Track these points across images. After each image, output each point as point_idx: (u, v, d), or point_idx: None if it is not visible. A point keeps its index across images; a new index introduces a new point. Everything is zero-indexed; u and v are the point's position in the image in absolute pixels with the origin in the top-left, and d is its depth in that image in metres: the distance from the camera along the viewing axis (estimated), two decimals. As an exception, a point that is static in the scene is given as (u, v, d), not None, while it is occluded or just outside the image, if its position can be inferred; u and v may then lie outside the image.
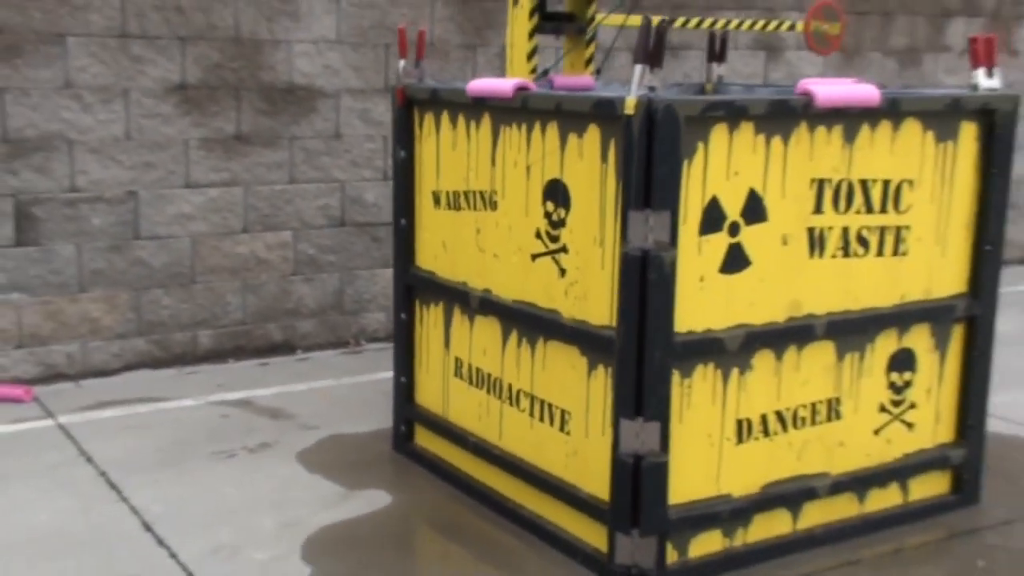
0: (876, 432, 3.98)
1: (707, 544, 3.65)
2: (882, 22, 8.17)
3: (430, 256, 4.38)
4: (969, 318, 4.09)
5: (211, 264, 6.02)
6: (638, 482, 3.43)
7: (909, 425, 4.06)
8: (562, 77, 4.80)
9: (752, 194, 3.52)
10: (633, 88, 3.28)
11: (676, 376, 3.47)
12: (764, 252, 3.57)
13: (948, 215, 3.98)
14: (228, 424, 5.01)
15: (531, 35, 4.76)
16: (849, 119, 3.66)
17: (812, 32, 5.51)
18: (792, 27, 5.67)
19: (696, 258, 3.44)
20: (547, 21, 4.86)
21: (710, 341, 3.49)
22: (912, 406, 4.05)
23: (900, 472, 4.07)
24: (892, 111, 3.72)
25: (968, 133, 3.96)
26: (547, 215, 3.70)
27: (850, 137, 3.68)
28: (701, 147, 3.38)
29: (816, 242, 3.69)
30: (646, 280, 3.33)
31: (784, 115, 3.50)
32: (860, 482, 3.96)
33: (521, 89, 3.78)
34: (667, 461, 3.45)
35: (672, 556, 3.57)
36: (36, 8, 5.40)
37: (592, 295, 3.54)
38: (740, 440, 3.66)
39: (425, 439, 4.56)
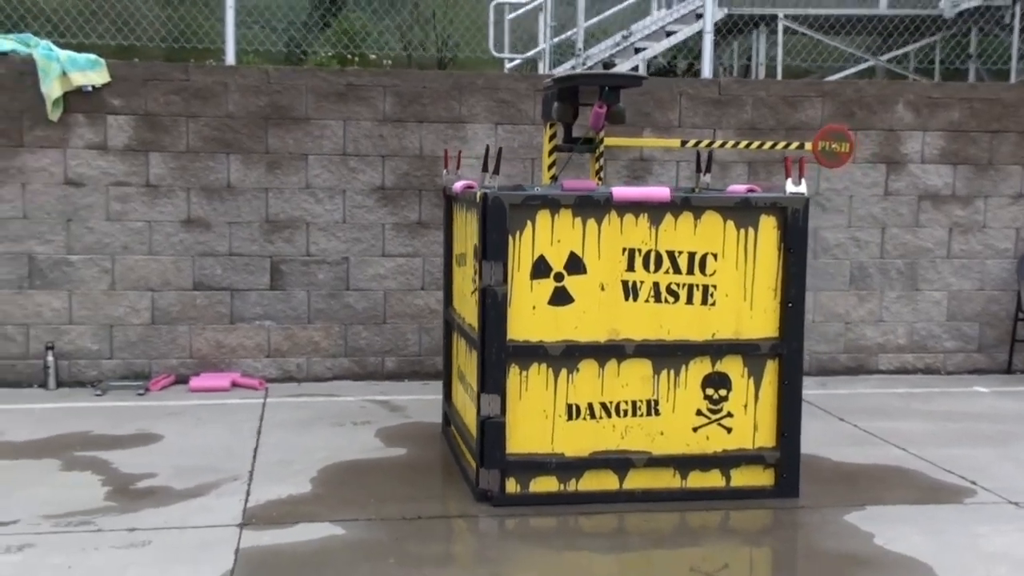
0: (695, 429, 5.70)
1: (544, 485, 5.60)
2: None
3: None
4: (778, 355, 5.70)
5: (397, 311, 8.68)
6: (484, 435, 5.53)
7: (728, 429, 5.73)
8: (569, 181, 6.93)
9: (572, 255, 5.53)
10: (478, 186, 5.49)
11: (515, 368, 5.52)
12: (585, 294, 5.55)
13: (753, 279, 5.66)
14: (359, 411, 7.56)
15: (551, 152, 6.96)
16: (654, 210, 5.56)
17: (820, 151, 7.22)
18: (801, 146, 7.35)
19: (529, 294, 5.51)
20: (568, 143, 7.00)
21: (538, 348, 5.52)
22: (729, 415, 5.72)
23: (720, 462, 5.72)
24: (687, 206, 5.56)
25: (768, 223, 5.65)
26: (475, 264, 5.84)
27: (656, 221, 5.57)
28: (529, 223, 5.48)
29: (630, 290, 5.59)
30: (487, 304, 5.48)
31: (592, 205, 5.50)
32: (680, 463, 5.68)
33: (467, 187, 6.04)
34: (504, 422, 5.50)
35: (513, 487, 5.57)
36: (291, 137, 8.43)
37: (470, 313, 5.73)
38: (570, 418, 5.60)
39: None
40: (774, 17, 12.30)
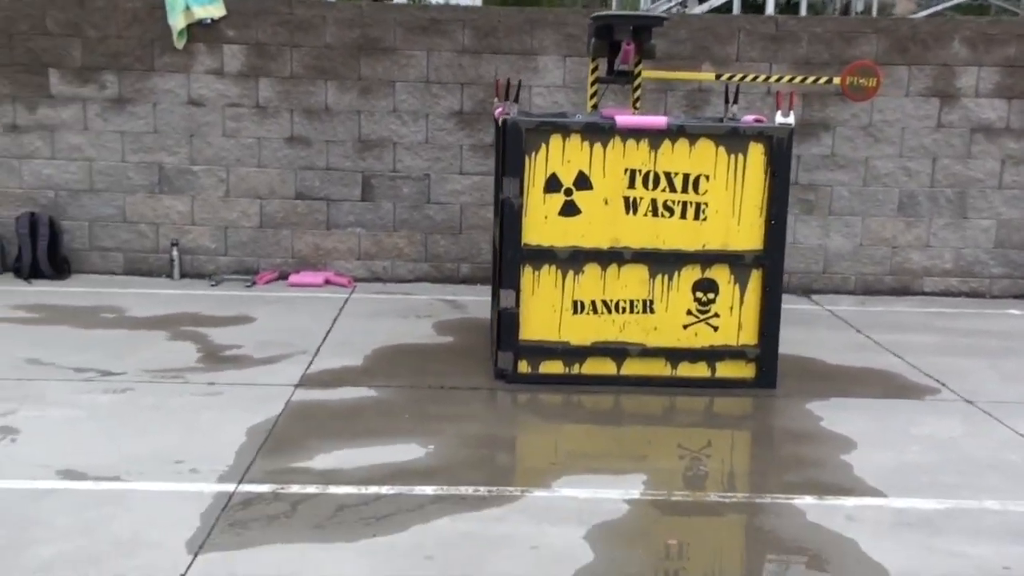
0: (685, 327, 6.63)
1: (552, 367, 6.64)
2: None
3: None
4: (761, 265, 6.57)
5: (472, 223, 9.77)
6: (501, 323, 6.60)
7: (715, 327, 6.63)
8: (607, 109, 7.83)
9: (580, 173, 6.49)
10: (499, 112, 6.49)
11: (529, 269, 6.54)
12: (591, 207, 6.51)
13: (741, 199, 6.51)
14: (426, 307, 8.71)
15: (593, 83, 7.86)
16: (653, 136, 6.44)
17: (848, 85, 7.95)
18: (829, 81, 8.06)
19: (542, 206, 6.51)
20: (611, 75, 7.87)
21: (549, 251, 6.52)
22: (716, 315, 6.62)
23: (707, 355, 6.63)
24: (682, 133, 6.43)
25: (756, 149, 6.47)
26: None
27: (655, 146, 6.46)
28: (544, 145, 6.45)
29: (630, 205, 6.52)
30: (505, 213, 6.51)
31: (599, 131, 6.43)
32: (671, 355, 6.62)
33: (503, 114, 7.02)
34: (518, 313, 6.54)
35: (525, 368, 6.63)
36: (380, 66, 9.54)
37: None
38: (575, 312, 6.61)
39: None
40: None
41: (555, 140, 6.38)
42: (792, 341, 7.66)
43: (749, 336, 6.59)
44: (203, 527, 4.30)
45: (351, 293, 9.14)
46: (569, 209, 6.45)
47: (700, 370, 6.62)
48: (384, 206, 9.66)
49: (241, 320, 7.98)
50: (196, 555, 4.06)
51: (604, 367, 6.60)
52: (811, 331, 8.16)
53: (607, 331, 6.57)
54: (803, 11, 12.36)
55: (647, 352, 6.58)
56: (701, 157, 6.42)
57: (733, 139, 6.40)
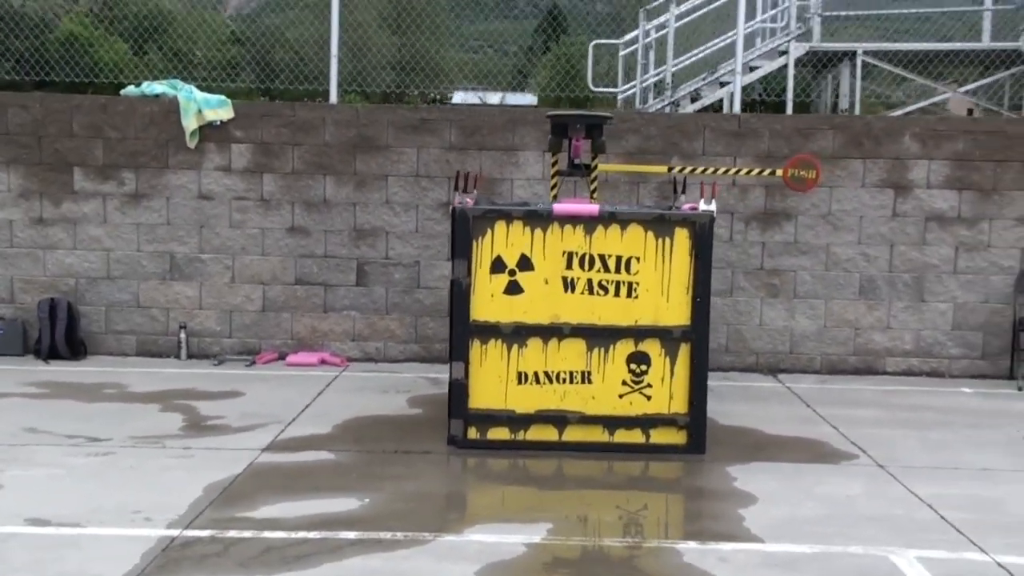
0: (620, 396, 7.23)
1: (499, 433, 7.25)
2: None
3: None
4: (689, 339, 7.18)
5: (457, 306, 10.46)
6: (452, 393, 7.26)
7: (648, 397, 7.22)
8: (565, 199, 8.53)
9: (523, 256, 7.18)
10: (453, 201, 7.22)
11: (477, 343, 7.21)
12: (533, 286, 7.19)
13: (669, 279, 7.15)
14: (408, 383, 9.38)
15: (553, 176, 8.59)
16: (588, 222, 7.14)
17: (790, 177, 8.64)
18: (773, 173, 8.74)
19: (488, 285, 7.20)
20: (573, 168, 8.58)
21: (495, 327, 7.18)
22: (649, 385, 7.22)
23: (641, 423, 7.22)
24: (614, 219, 7.12)
25: (681, 233, 7.13)
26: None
27: (590, 231, 7.15)
28: (489, 231, 7.16)
29: (568, 285, 7.19)
30: (455, 292, 7.20)
31: (538, 217, 7.14)
32: (608, 422, 7.21)
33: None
34: (467, 384, 7.18)
35: (474, 434, 7.25)
36: (374, 162, 10.39)
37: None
38: (520, 383, 7.24)
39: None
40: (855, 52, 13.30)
41: (499, 226, 7.09)
42: (740, 414, 8.24)
43: (680, 405, 7.17)
44: (140, 564, 4.95)
45: (342, 371, 9.84)
46: (513, 288, 7.13)
47: (635, 436, 7.19)
48: (377, 291, 10.40)
49: (231, 395, 8.70)
50: (130, 582, 4.70)
51: (547, 433, 7.20)
52: (762, 406, 8.69)
53: (549, 400, 7.18)
54: (789, 110, 13.05)
55: (586, 420, 7.18)
56: (632, 240, 7.08)
57: (660, 224, 7.07)
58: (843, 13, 13.80)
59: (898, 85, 14.67)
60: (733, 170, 8.89)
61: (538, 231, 7.09)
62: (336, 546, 5.21)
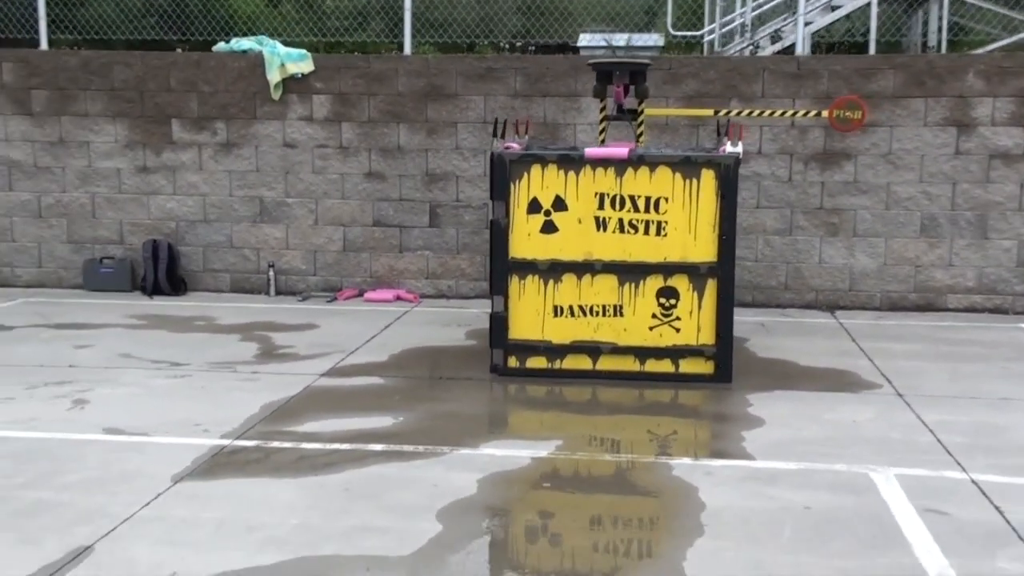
0: (651, 328, 7.68)
1: (537, 362, 7.80)
2: None
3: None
4: (715, 275, 7.58)
5: (525, 246, 11.00)
6: (493, 324, 7.83)
7: (677, 329, 7.67)
8: (611, 143, 8.95)
9: (557, 197, 7.67)
10: (492, 147, 7.75)
11: (515, 278, 7.75)
12: (567, 226, 7.68)
13: (696, 217, 7.54)
14: (470, 318, 9.95)
15: (601, 121, 9.02)
16: (618, 164, 7.58)
17: (835, 117, 8.92)
18: (819, 114, 9.01)
19: (525, 225, 7.72)
20: (620, 113, 9.00)
21: (532, 263, 7.71)
22: (678, 318, 7.65)
23: (670, 353, 7.67)
24: (643, 161, 7.55)
25: (708, 175, 7.50)
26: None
27: (620, 173, 7.59)
28: (526, 174, 7.66)
29: (601, 224, 7.65)
30: (494, 232, 7.75)
31: (571, 161, 7.61)
32: (639, 353, 7.69)
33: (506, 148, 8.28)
34: (507, 316, 7.76)
35: (514, 363, 7.81)
36: (444, 110, 10.96)
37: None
38: (556, 315, 7.77)
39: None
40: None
41: (535, 169, 7.58)
42: (781, 348, 8.60)
43: (707, 337, 7.58)
44: (191, 466, 5.69)
45: (413, 307, 10.50)
46: (548, 227, 7.63)
47: (665, 366, 7.64)
48: (449, 232, 11.00)
49: (306, 327, 9.45)
50: (175, 483, 5.44)
51: (582, 363, 7.71)
52: (807, 340, 9.01)
53: (583, 332, 7.68)
54: (872, 49, 13.02)
55: (618, 350, 7.66)
56: (660, 182, 7.48)
57: (687, 166, 7.45)
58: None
59: (993, 21, 14.43)
60: (779, 112, 9.14)
61: (571, 174, 7.54)
62: (361, 456, 5.85)
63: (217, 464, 5.72)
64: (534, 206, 7.60)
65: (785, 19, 13.81)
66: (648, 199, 7.49)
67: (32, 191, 11.52)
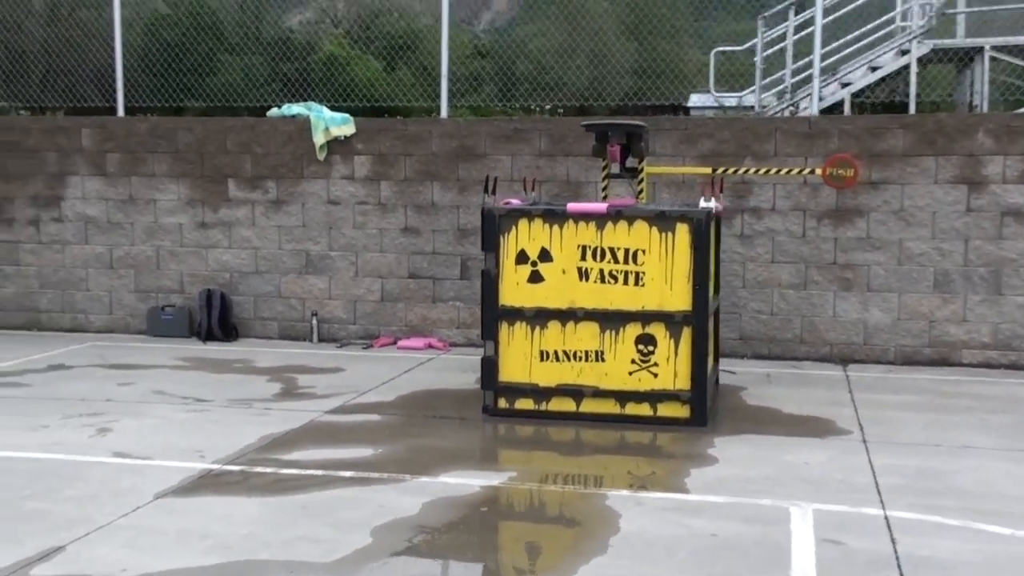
0: (630, 373, 8.15)
1: (525, 404, 8.33)
2: None
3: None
4: (690, 323, 8.04)
5: (550, 298, 11.57)
6: (485, 368, 8.41)
7: (655, 374, 8.12)
8: (613, 199, 9.50)
9: (543, 249, 8.24)
10: (483, 202, 8.38)
11: (505, 325, 8.32)
12: (552, 276, 8.23)
13: (672, 269, 8.02)
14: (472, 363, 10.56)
15: (604, 179, 9.59)
16: (599, 218, 8.13)
17: (828, 175, 9.36)
18: (812, 172, 9.45)
19: (513, 275, 8.30)
20: (623, 171, 9.55)
21: (520, 311, 8.27)
22: (655, 364, 8.11)
23: (649, 397, 8.12)
24: (620, 216, 8.08)
25: (682, 228, 7.99)
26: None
27: (600, 226, 8.13)
28: (514, 227, 8.26)
29: (583, 274, 8.19)
30: (485, 281, 8.35)
31: (555, 215, 8.18)
32: (619, 396, 8.16)
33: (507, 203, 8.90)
34: (497, 360, 8.31)
35: (504, 404, 8.36)
36: (474, 168, 11.63)
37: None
38: (542, 360, 8.30)
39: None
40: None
41: (522, 223, 8.17)
42: (774, 396, 8.97)
43: (683, 382, 8.01)
44: (175, 486, 6.37)
45: (440, 355, 11.13)
46: (535, 277, 8.19)
47: (644, 409, 8.09)
48: (478, 283, 11.58)
49: (334, 371, 10.15)
50: (156, 498, 6.12)
51: (566, 405, 8.21)
52: (804, 390, 9.33)
53: (567, 375, 8.19)
54: (912, 109, 13.25)
55: (600, 393, 8.14)
56: (638, 235, 8.00)
57: (662, 220, 7.95)
58: (964, 11, 13.86)
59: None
60: (773, 170, 9.57)
61: (556, 227, 8.11)
62: (329, 480, 6.46)
63: (199, 484, 6.38)
64: (522, 257, 8.17)
65: (825, 80, 14.16)
66: (627, 251, 8.00)
67: (105, 244, 12.55)
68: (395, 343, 11.64)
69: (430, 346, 11.48)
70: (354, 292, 11.91)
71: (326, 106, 12.06)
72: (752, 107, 13.24)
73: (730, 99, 16.55)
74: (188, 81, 13.36)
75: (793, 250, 10.90)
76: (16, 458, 6.96)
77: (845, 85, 13.92)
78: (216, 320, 11.94)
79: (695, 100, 19.72)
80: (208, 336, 11.93)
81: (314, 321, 11.87)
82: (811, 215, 10.84)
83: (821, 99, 13.99)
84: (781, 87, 13.94)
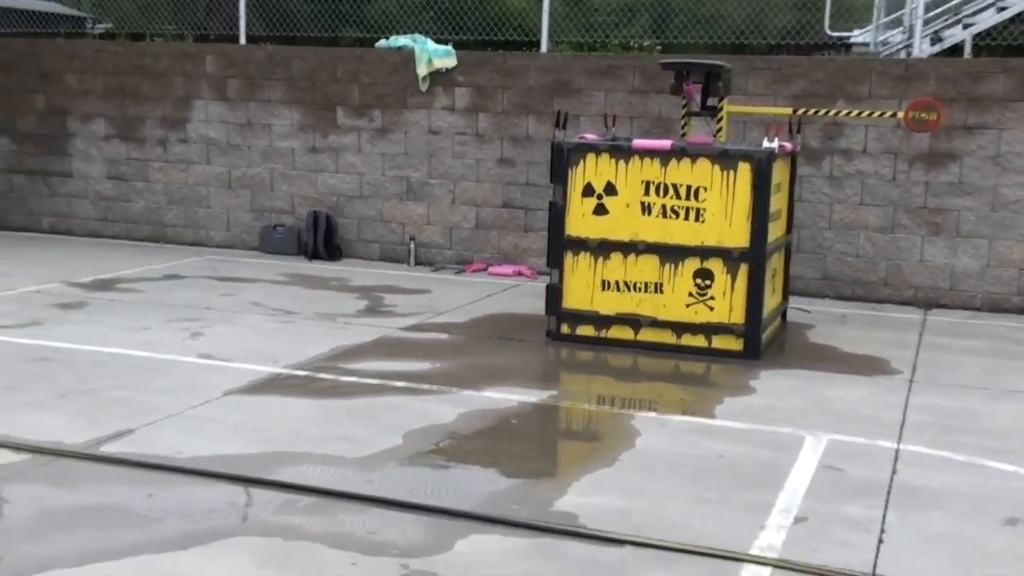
0: (687, 306, 8.44)
1: (586, 330, 8.70)
2: None
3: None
4: (747, 259, 8.28)
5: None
6: (549, 295, 8.82)
7: (711, 308, 8.39)
8: (694, 136, 9.70)
9: (608, 183, 8.56)
10: (554, 136, 8.73)
11: (570, 254, 8.67)
12: (616, 209, 8.55)
13: (732, 206, 8.25)
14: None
15: (683, 116, 9.80)
16: (663, 155, 8.39)
17: (911, 118, 9.43)
18: (894, 115, 9.50)
19: (580, 207, 8.65)
20: (704, 110, 9.73)
21: (585, 241, 8.62)
22: (712, 298, 8.39)
23: (704, 329, 8.40)
24: (684, 153, 8.33)
25: (744, 167, 8.20)
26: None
27: (664, 163, 8.39)
28: (581, 161, 8.60)
29: (646, 208, 8.48)
30: (552, 212, 8.73)
31: (621, 151, 8.48)
32: (676, 327, 8.46)
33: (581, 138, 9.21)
34: (562, 288, 8.71)
35: (566, 329, 8.75)
36: (568, 103, 11.94)
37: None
38: (604, 289, 8.66)
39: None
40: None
41: (590, 157, 8.49)
42: (840, 336, 9.14)
43: (738, 316, 8.27)
44: (244, 385, 7.02)
45: (526, 281, 11.56)
46: (599, 210, 8.52)
47: (699, 341, 8.38)
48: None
49: (420, 292, 10.71)
50: (224, 395, 6.78)
51: (625, 333, 8.56)
52: (873, 332, 9.42)
53: (627, 305, 8.53)
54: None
55: (657, 323, 8.46)
56: (700, 172, 8.23)
57: (725, 159, 8.16)
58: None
59: None
60: (855, 112, 9.59)
61: (621, 162, 8.40)
62: (382, 389, 7.01)
63: (265, 385, 7.02)
64: (588, 190, 8.50)
65: (946, 20, 13.84)
66: (689, 187, 8.24)
67: (224, 165, 13.36)
68: (487, 269, 12.11)
69: (519, 273, 11.91)
70: (450, 219, 12.41)
71: (431, 39, 12.47)
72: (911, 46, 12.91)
73: (895, 35, 16.09)
74: (345, 8, 13.82)
75: (882, 193, 10.89)
76: (116, 354, 7.71)
77: (966, 27, 13.55)
78: (322, 240, 12.62)
79: (857, 36, 19.22)
80: (314, 255, 12.63)
81: (412, 245, 12.44)
82: (902, 158, 10.80)
83: (940, 40, 13.70)
84: (932, 27, 13.60)
